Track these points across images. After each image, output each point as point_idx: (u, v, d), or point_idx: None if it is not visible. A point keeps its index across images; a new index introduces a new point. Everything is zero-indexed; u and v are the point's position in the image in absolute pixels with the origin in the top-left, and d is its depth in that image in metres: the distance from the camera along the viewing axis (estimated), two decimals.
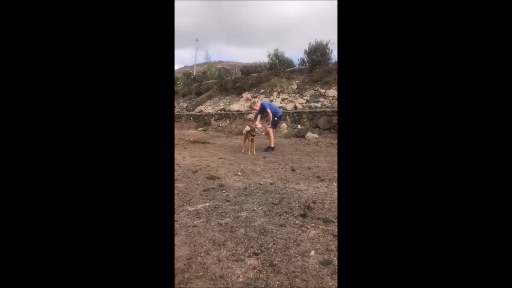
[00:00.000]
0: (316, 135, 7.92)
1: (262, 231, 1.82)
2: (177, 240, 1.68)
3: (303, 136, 8.00)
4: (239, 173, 3.59)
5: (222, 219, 2.03)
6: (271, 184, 3.08)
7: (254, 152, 5.51)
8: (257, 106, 5.90)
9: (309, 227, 1.90)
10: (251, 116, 10.20)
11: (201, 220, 2.01)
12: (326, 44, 12.03)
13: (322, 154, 5.35)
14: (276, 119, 5.91)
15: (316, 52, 11.57)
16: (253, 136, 5.55)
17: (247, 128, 8.88)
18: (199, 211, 2.20)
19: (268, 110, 5.79)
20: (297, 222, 1.99)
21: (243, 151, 5.80)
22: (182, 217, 2.08)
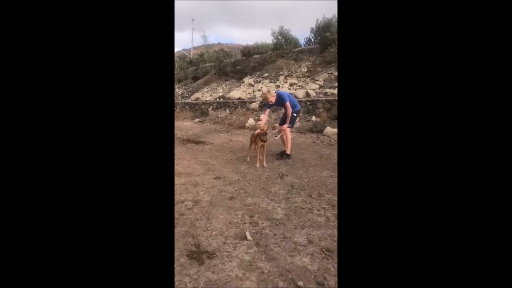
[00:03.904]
0: (337, 130, 6.18)
1: None
2: None
3: (321, 131, 6.25)
4: (248, 236, 1.88)
5: None
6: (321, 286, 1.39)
7: (265, 164, 3.80)
8: (274, 98, 4.13)
9: None
10: (254, 105, 8.40)
11: None
12: None
13: None
14: (294, 114, 4.15)
15: (331, 29, 9.55)
16: (264, 142, 3.82)
17: (250, 122, 7.14)
18: None
19: (287, 103, 4.01)
20: None
21: (248, 159, 4.10)
22: None
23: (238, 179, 3.20)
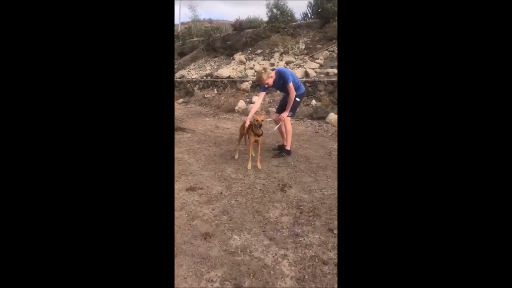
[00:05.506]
0: None
1: None
2: None
3: (323, 118, 5.26)
4: None
5: None
6: None
7: (259, 165, 2.81)
8: (272, 79, 2.99)
9: None
10: (245, 85, 7.27)
11: None
12: None
13: None
14: (297, 99, 3.10)
15: None
16: (259, 136, 2.79)
17: (241, 104, 5.93)
18: None
19: (291, 84, 2.95)
20: None
21: (237, 157, 3.09)
22: None
23: (221, 192, 2.21)
